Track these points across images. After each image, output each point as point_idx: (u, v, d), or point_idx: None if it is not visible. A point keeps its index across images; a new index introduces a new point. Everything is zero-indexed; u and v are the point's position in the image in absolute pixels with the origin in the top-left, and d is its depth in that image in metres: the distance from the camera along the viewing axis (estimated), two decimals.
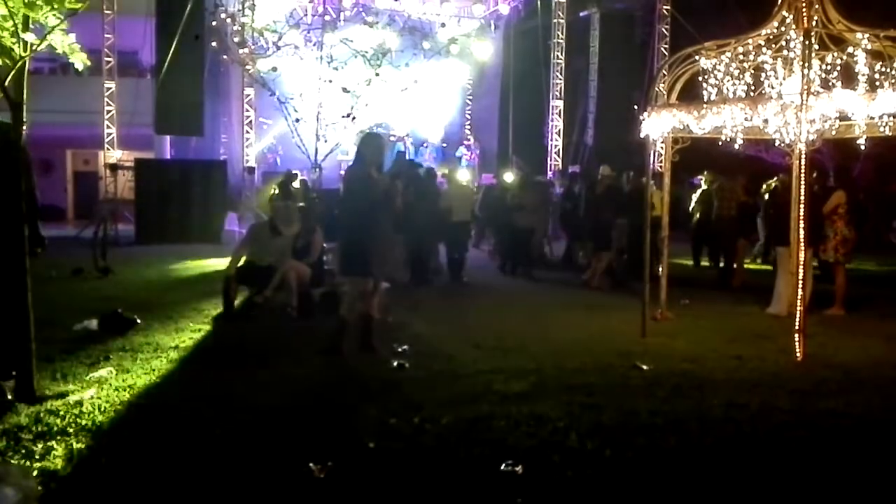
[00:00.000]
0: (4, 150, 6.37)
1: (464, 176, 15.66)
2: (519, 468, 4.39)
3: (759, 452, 4.79)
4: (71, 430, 4.89)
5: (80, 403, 5.45)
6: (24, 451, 4.43)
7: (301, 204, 10.93)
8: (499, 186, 16.16)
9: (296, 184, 16.27)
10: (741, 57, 7.92)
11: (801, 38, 7.32)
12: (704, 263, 14.59)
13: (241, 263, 9.15)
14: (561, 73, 23.08)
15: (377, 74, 17.46)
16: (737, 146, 8.15)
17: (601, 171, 13.79)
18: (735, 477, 4.42)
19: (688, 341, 7.97)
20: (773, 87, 7.75)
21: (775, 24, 7.96)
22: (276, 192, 15.43)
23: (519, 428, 5.13)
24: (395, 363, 6.82)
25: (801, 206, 7.48)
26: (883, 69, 7.26)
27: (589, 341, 7.95)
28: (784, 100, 7.34)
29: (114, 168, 20.03)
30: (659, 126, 8.41)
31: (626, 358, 7.11)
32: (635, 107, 9.12)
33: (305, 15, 18.68)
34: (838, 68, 7.49)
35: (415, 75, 18.72)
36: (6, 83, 5.55)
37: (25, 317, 5.56)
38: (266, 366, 6.75)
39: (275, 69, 18.36)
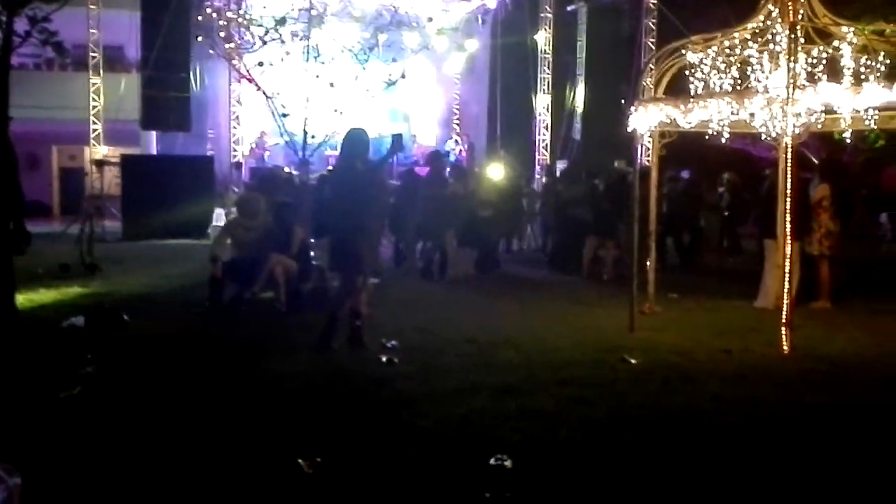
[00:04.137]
0: None
1: (495, 171, 15.62)
2: (508, 462, 4.40)
3: (746, 445, 4.82)
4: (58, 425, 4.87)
5: (68, 400, 5.43)
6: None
7: (286, 199, 10.86)
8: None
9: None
10: (727, 51, 7.94)
11: (787, 32, 7.34)
12: None
13: (225, 259, 9.08)
14: (548, 68, 23.06)
15: (364, 69, 17.46)
16: (723, 140, 8.17)
17: (616, 165, 14.05)
18: (723, 470, 4.44)
19: (676, 335, 8.00)
20: (759, 81, 7.77)
21: (761, 18, 7.98)
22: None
23: (508, 422, 5.14)
24: (385, 359, 6.82)
25: (788, 199, 7.51)
26: (868, 63, 7.30)
27: (578, 336, 7.96)
28: (770, 93, 7.36)
29: (100, 164, 19.86)
30: (646, 120, 8.43)
31: (615, 352, 7.13)
32: (623, 101, 9.15)
33: (292, 10, 18.60)
34: (824, 62, 7.51)
35: (402, 69, 18.72)
36: None
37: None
38: (254, 361, 6.74)
39: (261, 64, 18.30)
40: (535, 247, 16.48)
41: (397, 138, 7.43)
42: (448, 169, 13.71)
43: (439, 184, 12.63)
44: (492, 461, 4.41)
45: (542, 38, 22.90)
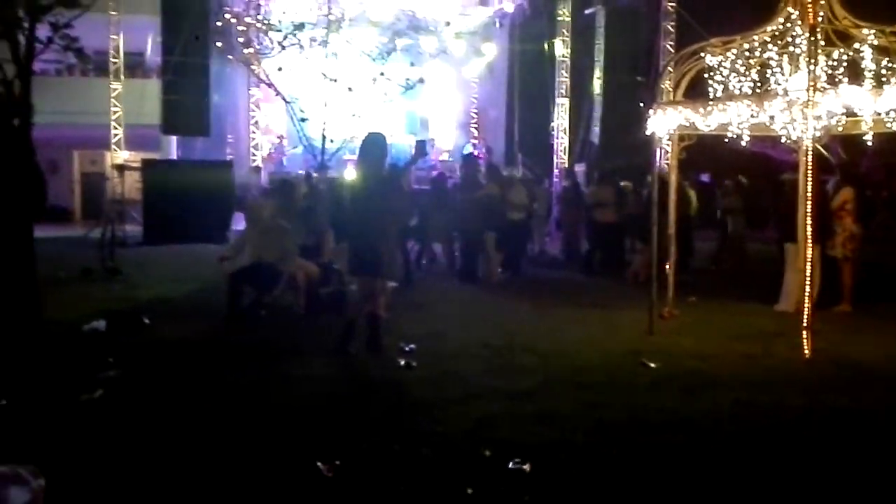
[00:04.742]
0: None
1: (517, 175, 15.75)
2: (526, 466, 4.39)
3: (768, 450, 4.78)
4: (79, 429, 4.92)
5: (89, 403, 5.47)
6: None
7: (306, 204, 10.94)
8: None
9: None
10: (747, 53, 7.90)
11: (807, 35, 7.29)
12: None
13: (244, 263, 9.14)
14: (566, 71, 23.02)
15: (382, 73, 17.50)
16: (743, 143, 8.12)
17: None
18: (744, 475, 4.41)
19: (695, 339, 7.95)
20: (779, 84, 7.72)
21: (781, 20, 7.93)
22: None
23: (526, 426, 5.13)
24: (403, 362, 6.82)
25: (809, 202, 7.46)
26: (889, 65, 7.24)
27: (596, 339, 7.94)
28: (790, 96, 7.31)
29: (121, 168, 20.04)
30: (665, 123, 8.40)
31: (634, 356, 7.10)
32: (641, 104, 9.15)
33: (311, 12, 18.70)
34: (844, 64, 7.46)
35: (420, 74, 18.75)
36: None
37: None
38: (273, 365, 6.76)
39: (280, 69, 18.40)
40: (542, 249, 16.52)
41: (421, 144, 7.50)
42: (483, 171, 13.91)
43: (473, 186, 12.75)
44: (510, 465, 4.40)
45: (560, 42, 22.87)
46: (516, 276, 12.74)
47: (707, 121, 7.90)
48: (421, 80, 19.18)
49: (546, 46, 23.00)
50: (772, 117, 7.48)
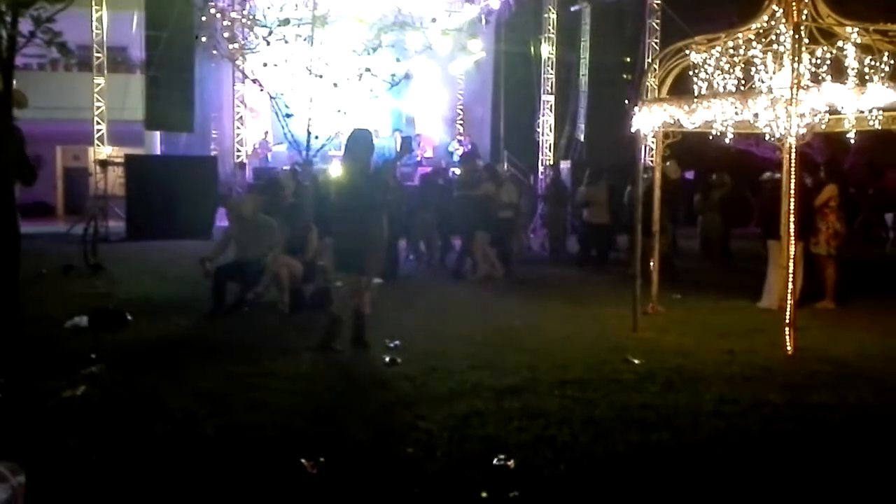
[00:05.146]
0: None
1: (506, 172, 15.83)
2: (511, 462, 4.39)
3: (750, 446, 4.81)
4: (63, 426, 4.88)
5: (71, 399, 5.43)
6: None
7: (291, 201, 10.93)
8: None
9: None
10: (731, 51, 7.92)
11: (791, 33, 7.33)
12: None
13: (228, 260, 9.12)
14: (552, 68, 23.04)
15: (368, 69, 17.43)
16: (727, 140, 8.16)
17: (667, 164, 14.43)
18: (727, 471, 4.43)
19: (679, 335, 7.98)
20: (763, 82, 7.76)
21: (765, 18, 7.97)
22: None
23: (511, 423, 5.13)
24: (388, 359, 6.81)
25: (792, 199, 7.50)
26: (872, 63, 7.28)
27: (580, 336, 7.95)
28: (774, 94, 7.35)
29: (104, 164, 19.90)
30: (650, 121, 8.42)
31: (618, 353, 7.11)
32: (626, 101, 9.18)
33: (296, 9, 18.61)
34: (828, 62, 7.50)
35: (406, 70, 18.69)
36: None
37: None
38: (257, 362, 6.73)
39: (265, 65, 18.32)
40: (528, 245, 16.56)
41: (407, 140, 7.52)
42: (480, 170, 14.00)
43: (473, 184, 12.79)
44: (495, 461, 4.40)
45: (546, 39, 22.89)
46: (507, 272, 12.76)
47: (692, 118, 7.93)
48: (407, 76, 19.13)
49: (532, 44, 23.00)
50: (756, 115, 7.52)
